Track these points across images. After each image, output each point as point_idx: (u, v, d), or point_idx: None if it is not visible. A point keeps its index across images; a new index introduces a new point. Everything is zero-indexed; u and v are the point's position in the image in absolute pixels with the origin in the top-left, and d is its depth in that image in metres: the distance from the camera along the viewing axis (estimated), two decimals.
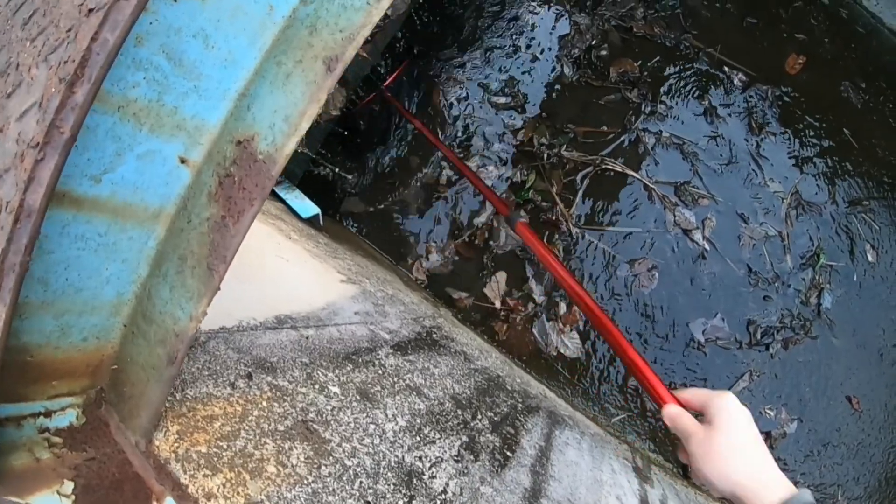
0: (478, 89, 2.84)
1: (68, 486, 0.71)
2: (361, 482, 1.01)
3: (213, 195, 0.69)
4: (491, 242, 2.76)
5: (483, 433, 1.58)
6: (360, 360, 1.48)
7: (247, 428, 0.94)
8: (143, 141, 0.64)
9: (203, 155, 0.70)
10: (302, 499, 0.87)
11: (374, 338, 1.72)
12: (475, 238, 2.81)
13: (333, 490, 0.94)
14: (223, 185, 0.68)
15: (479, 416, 1.67)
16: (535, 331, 2.66)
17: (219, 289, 0.72)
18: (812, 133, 2.69)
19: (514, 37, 2.87)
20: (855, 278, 2.61)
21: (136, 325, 0.79)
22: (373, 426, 1.21)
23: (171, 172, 0.70)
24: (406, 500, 1.05)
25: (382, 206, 2.94)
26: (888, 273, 2.63)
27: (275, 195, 2.51)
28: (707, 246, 2.55)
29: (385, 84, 3.09)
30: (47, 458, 0.73)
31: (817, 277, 2.58)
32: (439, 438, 1.38)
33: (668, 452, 2.51)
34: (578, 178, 2.70)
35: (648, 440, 2.54)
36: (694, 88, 2.72)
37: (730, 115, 2.64)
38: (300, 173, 3.00)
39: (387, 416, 1.29)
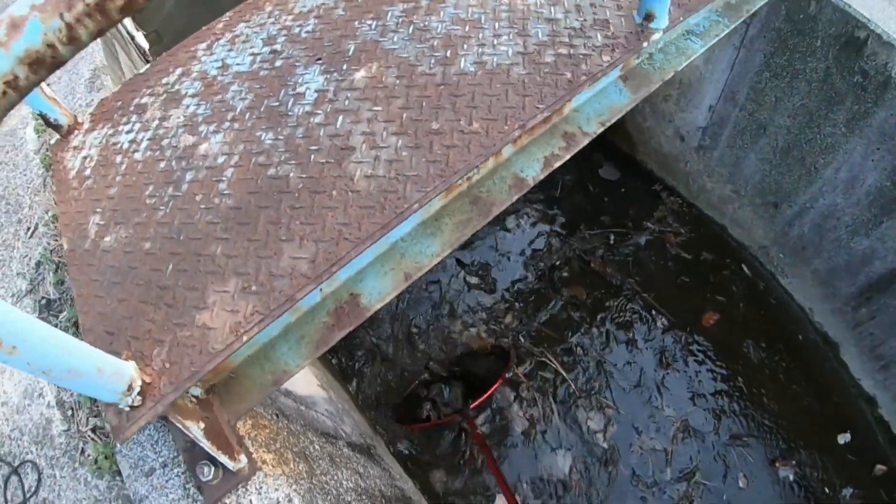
0: (459, 268, 3.97)
1: (201, 424, 1.53)
2: (330, 491, 1.84)
3: (330, 312, 1.63)
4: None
5: None
6: (329, 439, 2.33)
7: (279, 439, 1.79)
8: None
9: (330, 292, 1.64)
10: (306, 486, 1.71)
11: (336, 431, 2.57)
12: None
13: (319, 487, 1.78)
14: (337, 310, 1.62)
15: None
16: None
17: (315, 357, 1.63)
18: (710, 376, 3.72)
19: (497, 237, 4.05)
20: (725, 498, 3.47)
21: (257, 357, 1.67)
22: (335, 477, 2.04)
23: (314, 295, 1.63)
24: None
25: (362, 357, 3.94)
26: (757, 499, 3.48)
27: None
28: (605, 446, 3.50)
29: (473, 405, 3.54)
30: (191, 406, 1.56)
31: (690, 491, 3.44)
32: None
33: None
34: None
35: None
36: (624, 322, 3.81)
37: (647, 349, 3.72)
38: None
39: (343, 476, 2.12)
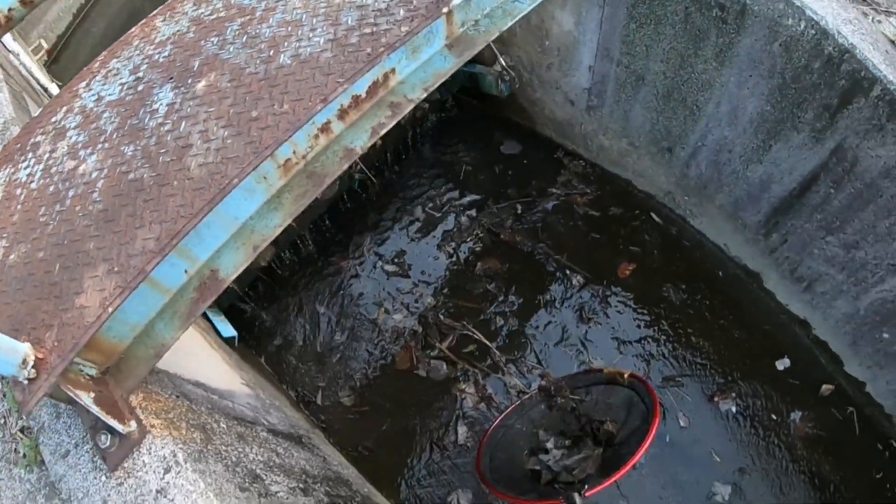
0: (376, 258, 4.40)
1: (92, 394, 1.92)
2: (229, 457, 2.23)
3: (195, 288, 2.04)
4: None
5: (317, 491, 2.77)
6: (244, 423, 2.72)
7: (174, 412, 2.19)
8: (174, 261, 2.00)
9: (195, 271, 2.05)
10: (197, 448, 2.10)
11: (256, 419, 2.96)
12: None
13: (214, 452, 2.17)
14: (201, 286, 2.03)
15: (317, 486, 2.86)
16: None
17: (186, 329, 2.04)
18: (634, 324, 4.11)
19: (409, 226, 4.49)
20: (668, 439, 3.82)
21: (140, 337, 2.06)
22: (239, 450, 2.43)
23: (179, 275, 2.04)
24: (251, 481, 2.26)
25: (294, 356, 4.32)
26: (699, 435, 3.82)
27: (205, 315, 3.85)
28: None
29: (589, 492, 2.96)
30: (83, 381, 1.95)
31: None
32: (282, 476, 2.58)
33: None
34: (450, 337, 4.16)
35: None
36: (540, 285, 4.22)
37: (566, 307, 4.12)
38: (226, 304, 4.39)
39: (251, 450, 2.52)
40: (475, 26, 2.60)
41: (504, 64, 4.55)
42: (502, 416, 3.63)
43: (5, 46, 5.16)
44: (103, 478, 2.06)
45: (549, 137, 4.85)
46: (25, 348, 1.79)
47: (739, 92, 3.60)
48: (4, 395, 2.65)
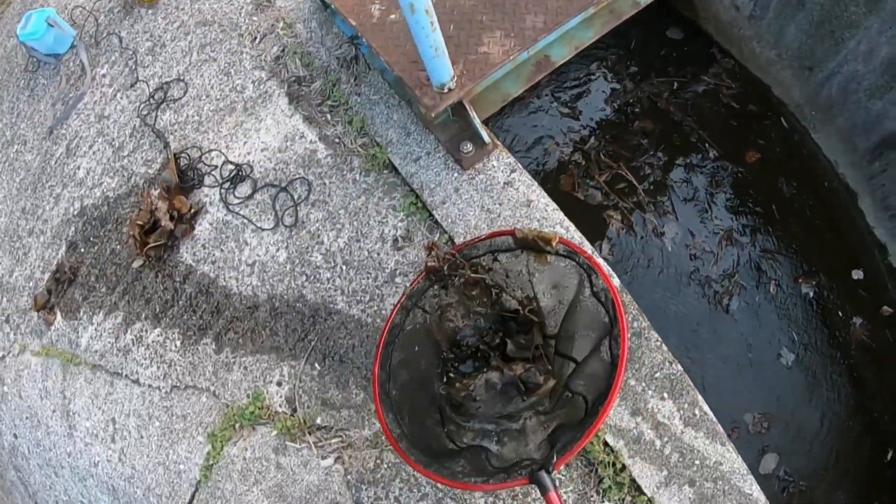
0: (553, 99, 5.99)
1: (474, 110, 3.55)
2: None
3: (533, 64, 3.64)
4: None
5: None
6: None
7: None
8: None
9: (533, 53, 3.64)
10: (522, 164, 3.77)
11: None
12: None
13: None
14: (538, 63, 3.63)
15: None
16: None
17: (523, 90, 3.68)
18: (749, 200, 5.53)
19: (584, 78, 6.05)
20: (756, 299, 5.21)
21: (491, 87, 3.61)
22: None
23: (524, 55, 3.64)
24: None
25: None
26: (782, 306, 5.18)
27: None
28: (669, 247, 5.50)
29: (559, 462, 2.32)
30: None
31: (731, 288, 5.25)
32: None
33: None
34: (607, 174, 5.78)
35: None
36: (683, 149, 5.71)
37: (700, 172, 5.62)
38: None
39: None
40: None
41: None
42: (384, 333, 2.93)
43: None
44: (455, 174, 3.57)
45: (709, 33, 6.24)
46: (452, 69, 3.22)
47: (879, 38, 4.76)
48: (351, 122, 4.08)
